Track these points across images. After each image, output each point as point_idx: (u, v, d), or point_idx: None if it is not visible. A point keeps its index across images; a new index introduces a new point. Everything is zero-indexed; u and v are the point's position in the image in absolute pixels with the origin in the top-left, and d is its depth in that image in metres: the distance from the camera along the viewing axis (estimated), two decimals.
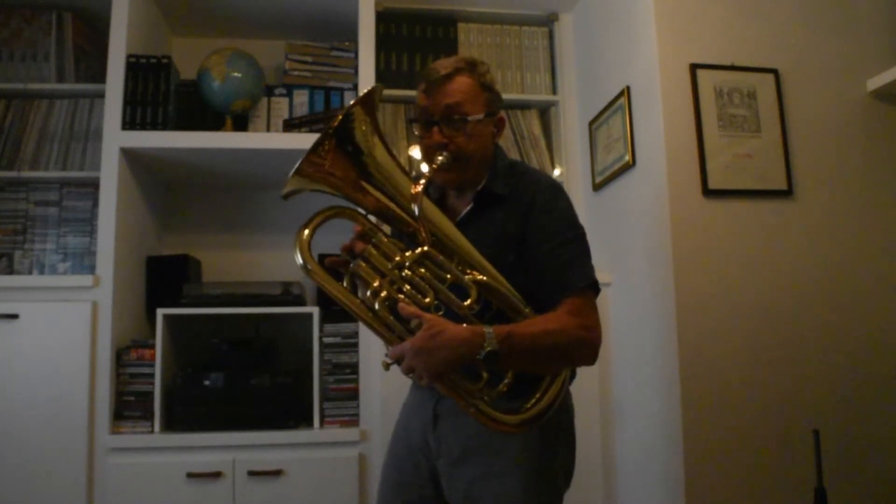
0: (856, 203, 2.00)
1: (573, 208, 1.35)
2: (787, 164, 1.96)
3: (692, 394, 1.82)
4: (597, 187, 2.43)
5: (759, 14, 2.04)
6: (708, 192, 1.91)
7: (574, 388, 2.23)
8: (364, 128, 1.19)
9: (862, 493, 1.84)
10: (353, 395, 2.13)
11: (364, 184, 1.21)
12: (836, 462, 1.73)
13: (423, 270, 1.19)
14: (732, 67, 1.98)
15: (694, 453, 1.80)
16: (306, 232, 1.19)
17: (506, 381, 1.19)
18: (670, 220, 1.89)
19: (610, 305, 2.29)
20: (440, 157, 1.28)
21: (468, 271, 1.22)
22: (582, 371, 2.23)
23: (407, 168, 2.37)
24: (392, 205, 1.22)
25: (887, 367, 1.93)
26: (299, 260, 1.17)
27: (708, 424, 1.82)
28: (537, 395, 1.24)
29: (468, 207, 1.36)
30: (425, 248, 1.19)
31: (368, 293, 1.16)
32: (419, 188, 1.20)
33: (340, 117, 1.16)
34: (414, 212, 1.19)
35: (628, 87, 2.15)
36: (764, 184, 1.94)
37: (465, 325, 1.16)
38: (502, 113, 1.41)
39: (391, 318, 1.16)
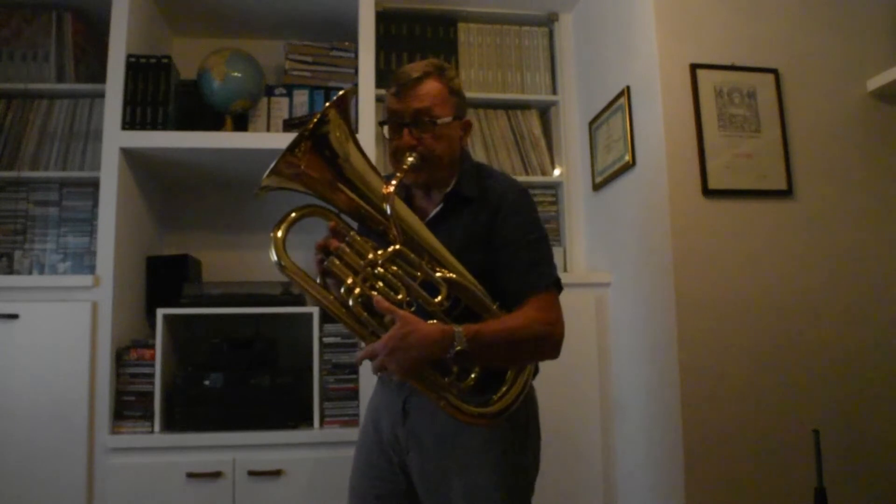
0: (856, 203, 2.00)
1: (537, 212, 1.42)
2: (787, 164, 1.96)
3: (692, 394, 1.82)
4: (597, 187, 2.43)
5: (759, 14, 2.04)
6: (708, 192, 1.91)
7: (574, 388, 2.23)
8: (338, 131, 1.23)
9: (862, 493, 1.84)
10: (353, 395, 2.13)
11: (337, 183, 1.25)
12: (836, 462, 1.74)
13: (395, 268, 1.23)
14: (732, 67, 1.98)
15: (694, 453, 1.80)
16: (280, 230, 1.23)
17: (473, 375, 1.24)
18: (670, 220, 1.89)
19: (610, 305, 2.29)
20: (410, 158, 1.33)
21: (438, 269, 1.26)
22: (582, 371, 2.24)
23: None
24: (364, 204, 1.26)
25: (887, 367, 1.93)
26: (274, 257, 1.22)
27: (708, 424, 1.82)
28: (503, 389, 1.29)
29: (438, 208, 1.40)
30: (397, 247, 1.23)
31: (342, 290, 1.20)
32: (391, 188, 1.24)
33: (315, 119, 1.19)
34: (386, 211, 1.23)
35: (628, 87, 2.15)
36: (764, 184, 1.94)
37: (435, 323, 1.21)
38: (469, 116, 1.47)
39: (364, 313, 1.20)
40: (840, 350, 1.91)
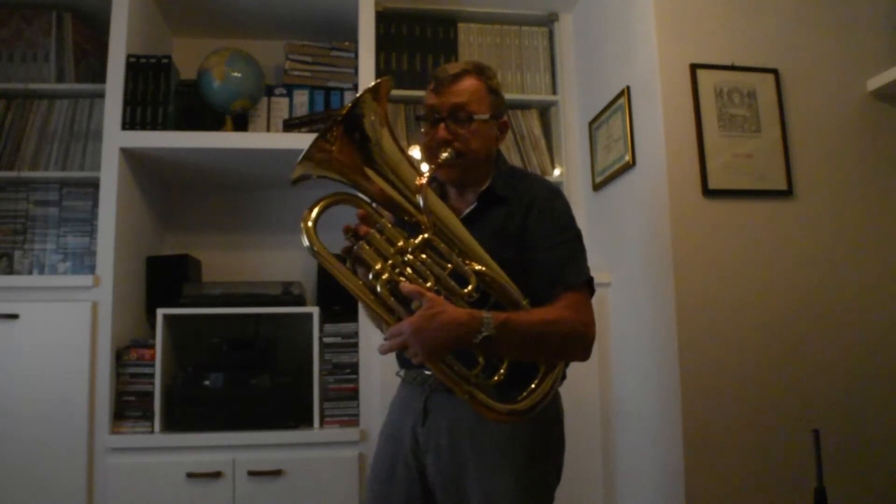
0: (856, 203, 2.00)
1: (571, 210, 1.41)
2: (787, 164, 1.96)
3: (692, 394, 1.82)
4: (597, 187, 2.43)
5: (759, 14, 2.04)
6: (708, 192, 1.91)
7: (574, 389, 2.23)
8: (373, 117, 1.23)
9: (862, 493, 1.84)
10: (353, 395, 2.13)
11: (370, 172, 1.24)
12: (836, 462, 1.73)
13: (424, 256, 1.22)
14: (732, 67, 1.98)
15: (694, 453, 1.80)
16: (312, 215, 1.21)
17: (501, 370, 1.22)
18: (670, 220, 1.89)
19: (610, 305, 2.29)
20: (445, 154, 1.32)
21: (468, 262, 1.24)
22: (582, 371, 2.24)
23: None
24: (396, 194, 1.25)
25: (887, 367, 1.93)
26: (305, 242, 1.20)
27: (708, 424, 1.82)
28: (532, 386, 1.26)
29: (472, 206, 1.39)
30: (427, 236, 1.22)
31: (371, 275, 1.19)
32: (424, 179, 1.23)
33: (350, 105, 1.19)
34: (418, 202, 1.22)
35: (628, 87, 2.15)
36: (764, 184, 1.94)
37: (464, 308, 1.19)
38: (506, 117, 1.46)
39: (392, 299, 1.19)
40: (840, 350, 1.91)
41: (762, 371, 1.86)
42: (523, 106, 2.69)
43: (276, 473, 2.02)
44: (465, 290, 1.21)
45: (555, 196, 1.39)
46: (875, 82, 2.03)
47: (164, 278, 2.29)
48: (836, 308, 1.93)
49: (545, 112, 2.73)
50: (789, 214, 1.95)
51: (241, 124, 2.38)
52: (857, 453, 1.86)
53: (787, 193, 1.96)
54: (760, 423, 1.84)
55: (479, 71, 1.40)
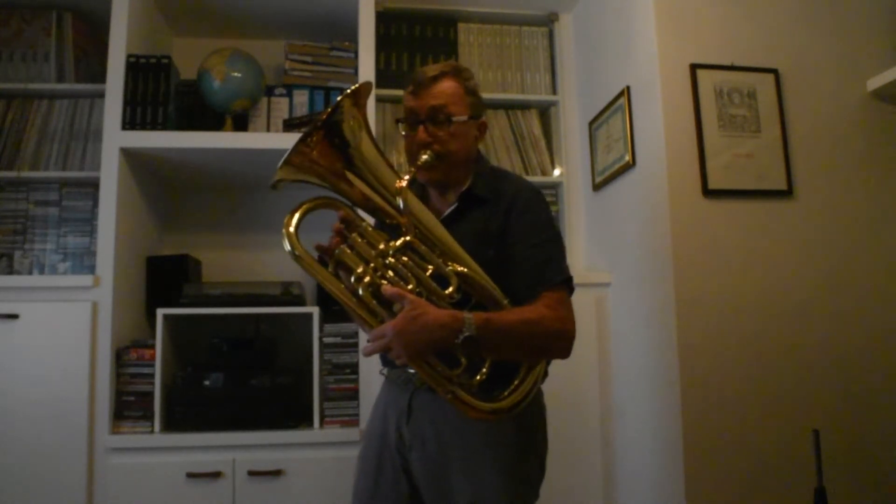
0: (856, 203, 2.00)
1: (550, 212, 1.43)
2: (787, 164, 1.96)
3: (692, 394, 1.82)
4: (597, 187, 2.43)
5: (759, 14, 2.04)
6: (708, 192, 1.91)
7: (574, 389, 2.23)
8: (352, 122, 1.24)
9: (862, 493, 1.84)
10: (353, 395, 2.13)
11: (350, 175, 1.26)
12: (836, 462, 1.73)
13: (405, 259, 1.23)
14: (732, 67, 1.98)
15: (694, 453, 1.80)
16: (293, 220, 1.23)
17: (483, 369, 1.23)
18: (670, 220, 1.89)
19: (610, 305, 2.29)
20: (424, 156, 1.34)
21: (449, 263, 1.26)
22: (582, 371, 2.24)
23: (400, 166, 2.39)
24: (377, 197, 1.27)
25: (887, 367, 1.93)
26: (287, 246, 1.22)
27: (708, 424, 1.82)
28: (514, 384, 1.27)
29: (452, 206, 1.41)
30: (408, 238, 1.24)
31: (353, 279, 1.21)
32: (404, 182, 1.25)
33: (330, 109, 1.21)
34: (398, 204, 1.24)
35: (628, 87, 2.15)
36: (764, 184, 1.94)
37: (446, 309, 1.20)
38: (485, 118, 1.48)
39: (374, 302, 1.20)
40: (840, 350, 1.91)
41: (762, 371, 1.86)
42: (523, 106, 2.69)
43: (276, 473, 2.01)
44: (447, 292, 1.23)
45: (534, 196, 1.40)
46: (875, 82, 2.03)
47: (164, 278, 2.29)
48: (836, 308, 1.93)
49: (545, 112, 2.73)
50: (789, 214, 1.95)
51: (241, 124, 2.37)
52: (857, 453, 1.86)
53: (786, 193, 1.96)
54: (760, 423, 1.84)
55: (457, 72, 1.42)
